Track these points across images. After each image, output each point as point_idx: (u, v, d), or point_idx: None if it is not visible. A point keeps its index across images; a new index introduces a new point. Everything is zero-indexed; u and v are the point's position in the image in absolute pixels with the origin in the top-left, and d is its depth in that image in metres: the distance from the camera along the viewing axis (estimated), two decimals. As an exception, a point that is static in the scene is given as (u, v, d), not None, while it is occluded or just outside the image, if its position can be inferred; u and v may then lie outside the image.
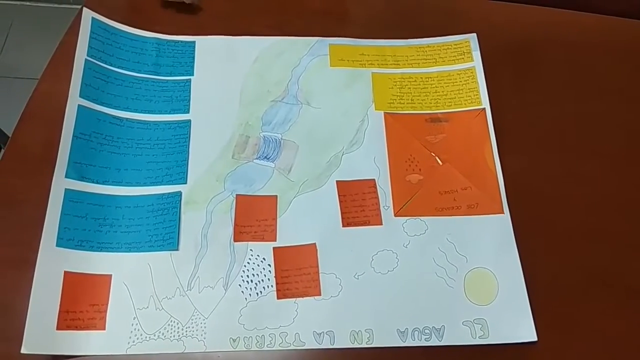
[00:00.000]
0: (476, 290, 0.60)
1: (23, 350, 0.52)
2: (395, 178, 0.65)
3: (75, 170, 0.61)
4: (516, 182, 0.65)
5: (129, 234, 0.60)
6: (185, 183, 0.63)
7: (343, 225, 0.62)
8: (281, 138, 0.67)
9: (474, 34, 0.75)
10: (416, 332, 0.57)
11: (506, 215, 0.64)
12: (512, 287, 0.60)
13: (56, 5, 1.48)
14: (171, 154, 0.65)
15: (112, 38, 0.70)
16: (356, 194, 0.64)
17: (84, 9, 0.69)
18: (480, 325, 0.58)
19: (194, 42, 0.73)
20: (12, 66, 1.36)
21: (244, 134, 0.67)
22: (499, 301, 0.59)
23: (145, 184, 0.63)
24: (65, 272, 0.56)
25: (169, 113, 0.67)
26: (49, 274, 0.55)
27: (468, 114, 0.70)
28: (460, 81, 0.73)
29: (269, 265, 0.60)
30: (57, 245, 0.57)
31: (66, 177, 0.60)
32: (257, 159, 0.66)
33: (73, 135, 0.62)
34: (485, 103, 0.71)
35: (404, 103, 0.71)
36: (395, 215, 0.63)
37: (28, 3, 1.47)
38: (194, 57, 0.71)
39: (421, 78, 0.73)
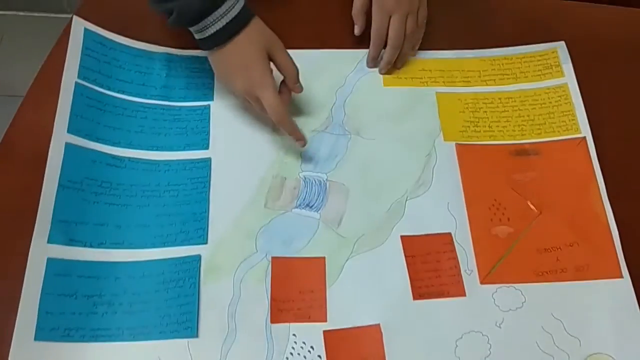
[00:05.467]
0: (597, 385, 0.47)
1: None
2: (478, 231, 0.53)
3: (61, 232, 0.48)
4: (636, 234, 0.53)
5: (132, 315, 0.47)
6: (206, 243, 0.52)
7: (414, 298, 0.50)
8: (326, 179, 0.56)
9: (562, 42, 0.63)
10: None
11: (626, 279, 0.51)
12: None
13: (53, 15, 1.40)
14: (187, 203, 0.53)
15: (110, 54, 0.59)
16: (428, 253, 0.52)
17: (74, 17, 0.57)
18: None
19: (213, 58, 0.61)
20: (4, 82, 1.28)
21: (278, 175, 0.55)
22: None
23: (153, 245, 0.51)
24: (47, 376, 0.44)
25: (184, 149, 0.56)
26: (25, 381, 0.43)
27: (564, 144, 0.57)
28: (550, 102, 0.60)
29: (319, 357, 0.47)
30: (37, 338, 0.45)
31: (49, 242, 0.48)
32: (296, 207, 0.54)
33: (59, 184, 0.50)
34: (586, 130, 0.58)
35: (479, 131, 0.59)
36: (482, 282, 0.51)
37: (22, 13, 1.40)
38: (213, 77, 0.60)
39: (499, 99, 0.61)
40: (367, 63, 0.61)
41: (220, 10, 0.50)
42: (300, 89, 0.55)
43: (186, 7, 0.49)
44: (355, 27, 0.61)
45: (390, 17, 0.58)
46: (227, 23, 0.51)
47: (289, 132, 0.53)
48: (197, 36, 0.53)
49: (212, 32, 0.51)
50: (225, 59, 0.53)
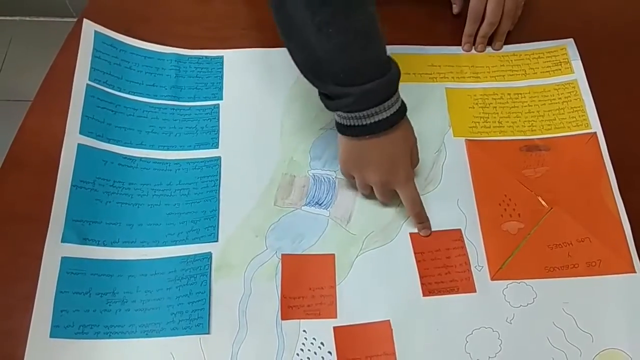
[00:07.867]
0: (609, 381, 0.46)
1: None
2: (488, 227, 0.52)
3: (75, 231, 0.48)
4: (648, 229, 0.51)
5: (145, 312, 0.47)
6: (216, 241, 0.51)
7: (424, 294, 0.49)
8: (335, 177, 0.55)
9: (571, 40, 0.62)
10: None
11: (639, 274, 0.50)
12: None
13: (59, 19, 1.39)
14: (197, 202, 0.53)
15: (120, 55, 0.58)
16: (438, 250, 0.51)
17: (85, 20, 0.57)
18: None
19: (221, 57, 0.61)
20: (11, 88, 1.27)
21: (288, 174, 0.55)
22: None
23: (165, 244, 0.51)
24: (62, 373, 0.44)
25: (194, 148, 0.56)
26: (41, 377, 0.43)
27: (574, 139, 0.56)
28: (560, 98, 0.59)
29: (330, 353, 0.47)
30: (52, 335, 0.45)
31: (63, 241, 0.48)
32: (306, 205, 0.53)
33: (72, 185, 0.50)
34: (596, 125, 0.57)
35: (489, 127, 0.58)
36: (492, 278, 0.50)
37: (28, 18, 1.38)
38: (222, 76, 0.60)
39: (509, 94, 0.59)
40: (462, 43, 0.61)
41: (392, 100, 0.47)
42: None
43: (370, 92, 0.45)
44: (454, 6, 0.62)
45: None
46: (391, 114, 0.47)
47: (419, 221, 0.51)
48: (348, 121, 0.47)
49: (375, 120, 0.47)
50: (373, 148, 0.49)
